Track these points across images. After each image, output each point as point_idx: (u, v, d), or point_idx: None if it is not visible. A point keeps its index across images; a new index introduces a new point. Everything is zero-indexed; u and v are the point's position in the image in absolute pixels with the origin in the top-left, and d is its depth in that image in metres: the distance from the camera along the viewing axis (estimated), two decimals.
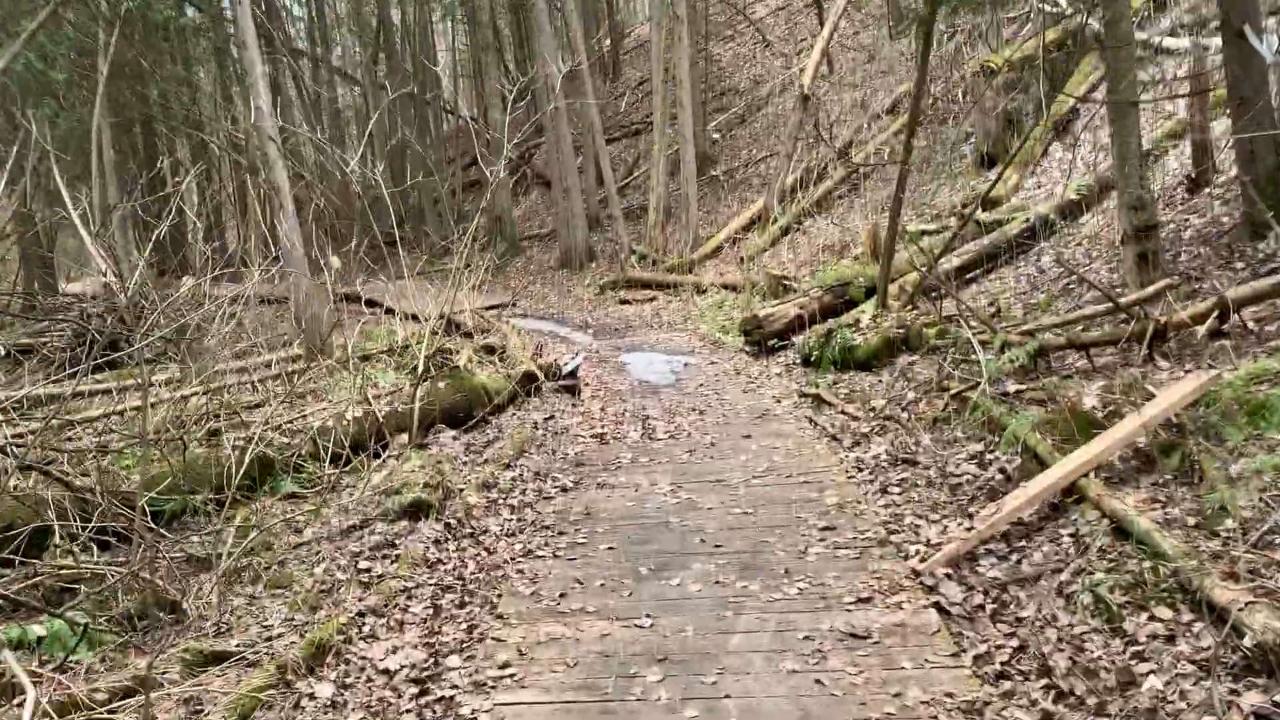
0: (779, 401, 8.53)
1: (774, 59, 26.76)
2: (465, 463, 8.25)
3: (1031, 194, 13.84)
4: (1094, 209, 11.68)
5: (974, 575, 4.77)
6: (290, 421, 9.22)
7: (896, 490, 6.22)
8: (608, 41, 33.52)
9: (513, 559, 5.46)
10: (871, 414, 8.25)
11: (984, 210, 13.50)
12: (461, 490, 7.22)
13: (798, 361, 10.60)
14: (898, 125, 17.46)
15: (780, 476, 6.27)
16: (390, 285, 21.74)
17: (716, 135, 24.25)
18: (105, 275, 20.59)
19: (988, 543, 5.02)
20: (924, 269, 10.26)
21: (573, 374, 11.40)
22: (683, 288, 16.21)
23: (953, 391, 7.47)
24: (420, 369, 8.76)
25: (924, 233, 14.42)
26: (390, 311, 20.03)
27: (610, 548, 5.34)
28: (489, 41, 23.33)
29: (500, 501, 6.92)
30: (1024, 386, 6.99)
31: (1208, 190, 10.00)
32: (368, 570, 5.81)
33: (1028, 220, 11.78)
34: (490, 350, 12.04)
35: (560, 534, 5.68)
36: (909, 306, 10.67)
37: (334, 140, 34.25)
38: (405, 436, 8.77)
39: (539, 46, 19.34)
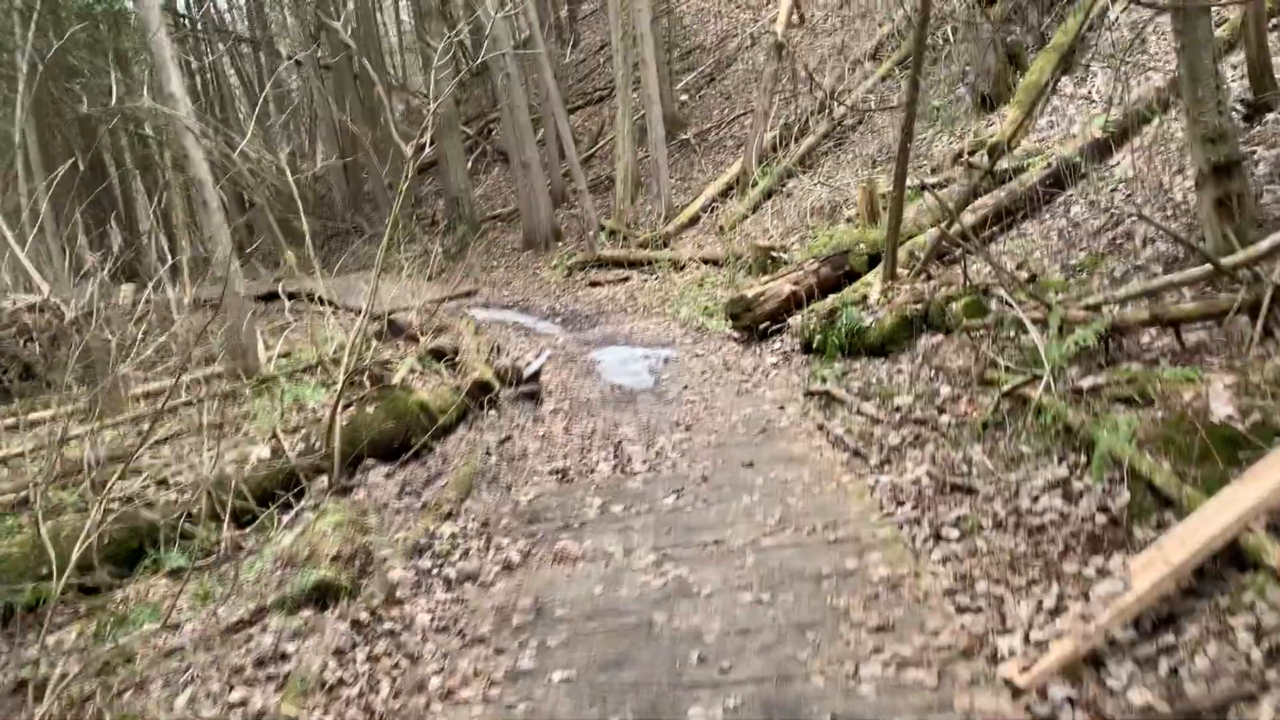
0: (782, 408, 6.91)
1: (740, 11, 24.97)
2: (398, 511, 6.64)
3: (1044, 135, 12.23)
4: (1125, 147, 10.08)
5: (1108, 695, 3.19)
6: (191, 465, 7.58)
7: (955, 536, 4.64)
8: (565, 8, 31.61)
9: (442, 693, 3.84)
10: (897, 415, 6.67)
11: (991, 157, 11.91)
12: (385, 559, 5.61)
13: (796, 348, 9.00)
14: (884, 70, 15.80)
15: (800, 531, 4.64)
16: (336, 280, 20.01)
17: (685, 96, 22.50)
18: (34, 289, 18.82)
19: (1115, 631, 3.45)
20: (944, 227, 8.65)
21: (535, 377, 9.78)
22: (658, 265, 14.58)
23: (1004, 387, 5.88)
24: (338, 392, 7.12)
25: (924, 187, 12.81)
26: (339, 309, 18.34)
27: (567, 679, 3.71)
28: (430, 6, 21.47)
29: (435, 573, 5.32)
30: (1101, 380, 5.41)
31: (1273, 116, 8.42)
32: (242, 704, 4.21)
33: (1049, 165, 10.17)
34: (440, 355, 10.39)
35: (498, 652, 4.05)
36: (922, 275, 9.08)
37: (283, 127, 32.31)
38: (325, 479, 7.15)
39: (488, 6, 17.51)
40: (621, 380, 8.56)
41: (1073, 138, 11.09)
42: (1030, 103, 12.63)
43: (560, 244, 18.72)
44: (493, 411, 8.91)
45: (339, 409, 7.28)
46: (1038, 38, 14.02)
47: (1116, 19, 13.00)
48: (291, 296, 21.41)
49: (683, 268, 14.26)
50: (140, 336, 16.91)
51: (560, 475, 5.98)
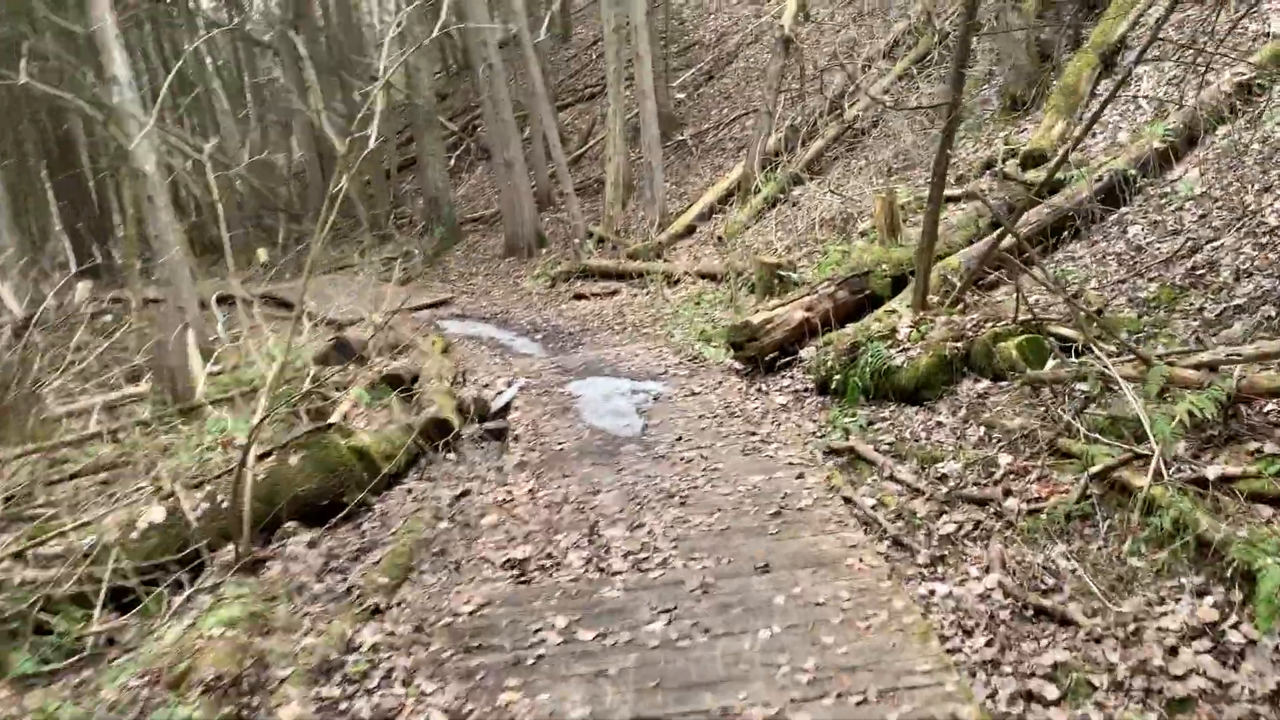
0: (800, 476, 5.52)
1: (742, 6, 23.64)
2: (316, 597, 5.28)
3: (1086, 143, 10.93)
4: (1188, 158, 8.78)
5: None
6: (72, 525, 6.19)
7: (1052, 696, 3.30)
8: (556, 4, 30.21)
9: None
10: (944, 487, 5.33)
11: (1025, 168, 10.61)
12: (282, 684, 4.24)
13: (809, 387, 7.66)
14: (900, 69, 14.48)
15: (845, 701, 3.22)
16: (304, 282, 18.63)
17: (681, 94, 21.16)
18: None
19: None
20: (996, 242, 7.35)
21: (504, 411, 8.42)
22: (650, 277, 13.22)
23: (1093, 467, 4.54)
24: (249, 440, 5.73)
25: (947, 199, 11.51)
26: (302, 315, 16.93)
27: None
28: None
29: (343, 709, 3.95)
30: (1235, 469, 4.07)
31: None
32: None
33: (1100, 178, 8.86)
34: (396, 382, 9.01)
35: None
36: (958, 305, 7.76)
37: (259, 120, 30.86)
38: (236, 547, 5.77)
39: None
40: (603, 423, 7.19)
41: (1120, 147, 9.81)
42: (1069, 107, 11.34)
43: (544, 251, 17.35)
44: (451, 455, 7.55)
45: (251, 460, 5.90)
46: (1072, 36, 12.73)
47: (1164, 18, 11.74)
48: (255, 300, 20.03)
49: (677, 282, 12.91)
50: (76, 346, 15.47)
51: (518, 570, 4.61)
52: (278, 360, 6.69)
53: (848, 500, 5.32)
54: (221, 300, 20.67)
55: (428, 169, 20.44)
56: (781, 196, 13.94)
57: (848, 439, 6.48)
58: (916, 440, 6.26)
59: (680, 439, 6.50)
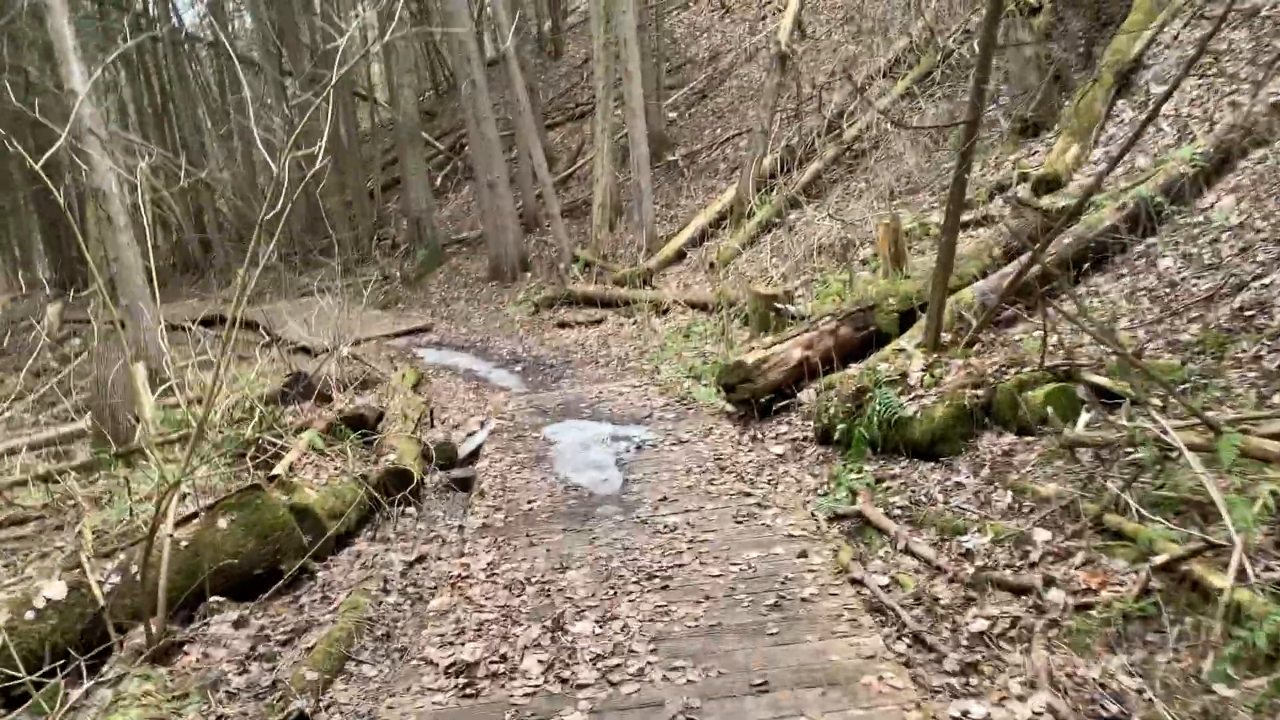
0: (804, 555, 4.72)
1: (735, 25, 23.04)
2: (234, 693, 4.49)
3: (1101, 169, 10.25)
4: (1220, 185, 8.09)
5: None
6: None
7: None
8: (549, 19, 29.62)
9: None
10: (970, 566, 4.58)
11: (1038, 193, 9.92)
12: None
13: (809, 435, 6.90)
14: (901, 87, 13.80)
15: None
16: (283, 305, 17.89)
17: (673, 114, 20.50)
18: None
19: None
20: (1024, 268, 6.63)
21: (473, 456, 7.67)
22: (637, 305, 12.47)
23: (1157, 558, 3.79)
24: (164, 501, 4.94)
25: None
26: (274, 340, 16.16)
27: None
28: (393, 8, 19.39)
29: None
30: None
31: None
32: None
33: (1123, 205, 8.15)
34: (358, 423, 8.23)
35: None
36: (973, 345, 7.02)
37: (242, 138, 30.11)
38: (148, 629, 4.98)
39: (450, 6, 15.45)
40: (579, 477, 6.40)
41: (1140, 172, 9.12)
42: (1084, 129, 10.66)
43: (529, 275, 16.61)
44: (411, 510, 6.78)
45: (169, 524, 5.11)
46: (1083, 56, 12.10)
47: (1178, 36, 11.10)
48: (221, 323, 19.26)
49: (665, 311, 12.17)
50: (35, 372, 14.67)
51: (464, 678, 3.81)
52: (207, 403, 5.90)
53: (857, 583, 4.55)
54: (203, 323, 19.94)
55: (411, 188, 19.73)
56: (777, 221, 13.23)
57: (854, 501, 5.72)
58: (933, 504, 5.50)
59: (664, 499, 5.72)
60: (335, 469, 6.78)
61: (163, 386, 12.23)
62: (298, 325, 15.94)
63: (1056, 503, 4.74)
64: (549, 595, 4.47)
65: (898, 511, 5.52)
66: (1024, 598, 4.16)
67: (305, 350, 15.09)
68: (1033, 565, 4.41)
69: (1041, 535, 4.56)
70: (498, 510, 5.94)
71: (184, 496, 5.70)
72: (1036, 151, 11.21)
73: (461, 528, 6.14)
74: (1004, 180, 10.97)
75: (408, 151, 19.38)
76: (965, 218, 10.77)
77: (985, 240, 9.08)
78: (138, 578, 5.22)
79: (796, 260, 11.77)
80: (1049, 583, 4.12)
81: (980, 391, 6.09)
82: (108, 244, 12.94)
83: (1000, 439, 5.85)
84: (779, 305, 8.79)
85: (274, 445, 7.35)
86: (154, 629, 4.92)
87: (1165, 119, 10.17)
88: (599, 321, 13.01)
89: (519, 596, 4.52)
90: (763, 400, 7.54)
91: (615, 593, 4.38)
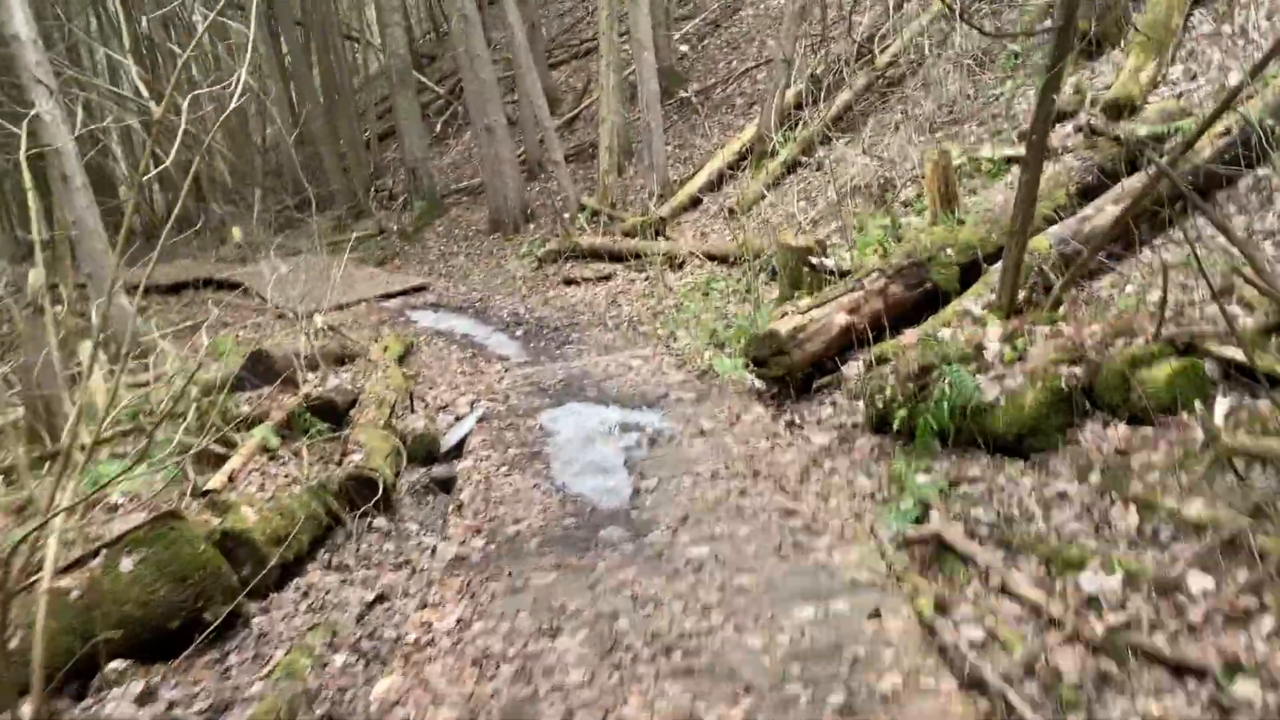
0: (877, 615, 3.48)
1: None
2: None
3: (1183, 89, 8.85)
4: None
5: None
6: None
7: None
8: None
9: None
10: (1093, 620, 3.37)
11: (1110, 117, 8.55)
12: None
13: (859, 420, 5.67)
14: (939, 6, 12.29)
15: None
16: (269, 264, 16.67)
17: (685, 47, 18.99)
18: None
19: None
20: (1128, 217, 5.36)
21: (460, 447, 6.51)
22: (649, 258, 11.17)
23: None
24: (8, 554, 3.80)
25: (1010, 160, 9.46)
26: (263, 304, 15.01)
27: None
28: None
29: None
30: None
31: None
32: None
33: (1227, 131, 6.80)
34: (328, 411, 7.06)
35: None
36: (1057, 307, 5.76)
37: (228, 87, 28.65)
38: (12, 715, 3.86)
39: None
40: (580, 485, 5.21)
41: (1218, 90, 7.75)
42: (1159, 44, 9.24)
43: (532, 226, 15.32)
44: (380, 521, 5.62)
45: (48, 571, 3.96)
46: None
47: None
48: (218, 285, 18.11)
49: (681, 264, 10.90)
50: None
51: None
52: (101, 396, 4.69)
53: (944, 652, 3.35)
54: (182, 287, 18.80)
55: (405, 135, 18.40)
56: (803, 159, 11.87)
57: (926, 517, 4.51)
58: (1029, 519, 4.29)
59: (685, 519, 4.52)
60: (287, 476, 5.62)
61: (127, 364, 11.13)
62: (281, 288, 14.77)
63: (1214, 534, 3.51)
64: (529, 681, 3.29)
65: (984, 529, 4.32)
66: (1191, 685, 2.96)
67: (291, 314, 13.93)
68: (1192, 629, 3.20)
69: (1200, 583, 3.34)
70: (477, 533, 4.75)
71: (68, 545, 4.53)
72: (1101, 72, 9.79)
73: (435, 550, 4.98)
74: (1064, 107, 9.57)
75: (400, 96, 18.00)
76: (1020, 151, 9.43)
77: (1054, 176, 7.73)
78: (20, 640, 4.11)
79: (828, 203, 10.44)
80: (1232, 669, 2.91)
81: (1078, 369, 4.83)
82: (64, 205, 11.73)
83: (1109, 431, 4.60)
84: (813, 259, 7.51)
85: (221, 447, 6.20)
86: (29, 713, 3.80)
87: (1257, 32, 8.77)
88: (607, 277, 11.76)
89: (490, 680, 3.35)
90: (800, 376, 6.31)
91: (621, 679, 3.20)
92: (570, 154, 17.55)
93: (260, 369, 7.36)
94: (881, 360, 5.89)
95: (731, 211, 11.70)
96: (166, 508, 4.85)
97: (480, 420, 6.71)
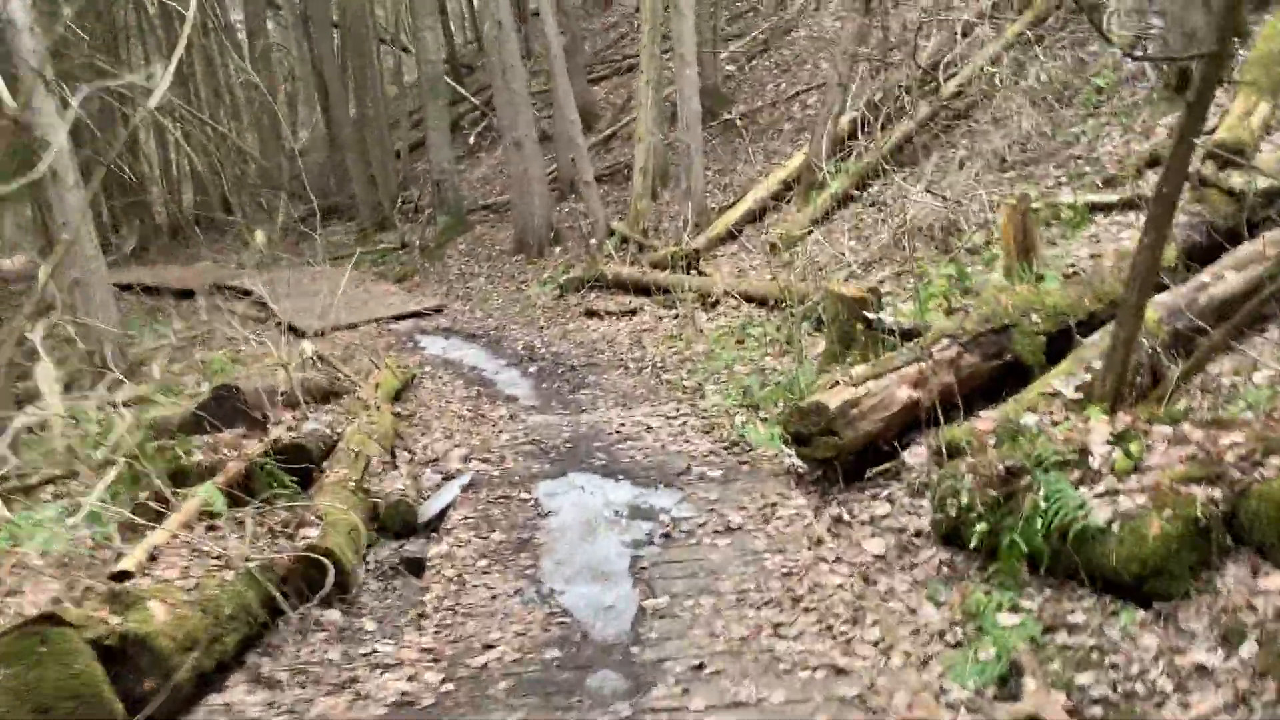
0: None
1: None
2: None
3: None
4: None
5: None
6: None
7: None
8: None
9: None
10: None
11: (1212, 165, 7.45)
12: None
13: (926, 530, 4.60)
14: (1013, 32, 11.24)
15: None
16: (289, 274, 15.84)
17: (732, 67, 18.04)
18: None
19: None
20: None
21: (441, 517, 5.52)
22: (680, 294, 10.15)
23: None
24: None
25: (1093, 206, 8.36)
26: (268, 318, 14.16)
27: None
28: None
29: None
30: None
31: None
32: None
33: None
34: (297, 458, 6.08)
35: None
36: (1174, 396, 4.67)
37: (269, 89, 28.04)
38: None
39: None
40: (573, 594, 4.18)
41: None
42: (1273, 83, 8.16)
43: (558, 249, 14.37)
44: (332, 613, 4.62)
45: None
46: None
47: None
48: (229, 291, 17.29)
49: (715, 304, 9.88)
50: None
51: None
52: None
53: None
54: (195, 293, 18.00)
55: (432, 146, 17.55)
56: (856, 193, 10.84)
57: (1014, 677, 3.44)
58: (1157, 698, 3.21)
59: (701, 668, 3.47)
60: (223, 553, 4.63)
61: (108, 380, 10.28)
62: (292, 301, 13.91)
63: None
64: None
65: (1094, 709, 3.24)
66: None
67: (295, 330, 13.05)
68: None
69: None
70: (433, 663, 3.72)
71: None
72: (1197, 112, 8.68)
73: (387, 668, 3.96)
74: (1156, 151, 8.49)
75: (430, 104, 17.15)
76: (1110, 197, 8.35)
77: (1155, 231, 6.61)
78: None
79: (882, 245, 9.39)
80: None
81: (1216, 492, 3.75)
82: (54, 205, 10.92)
83: (1261, 579, 3.52)
84: (868, 313, 6.45)
85: (161, 497, 5.24)
86: None
87: None
88: (633, 312, 10.75)
89: None
90: (850, 458, 5.25)
91: None
92: (604, 174, 16.61)
93: (225, 407, 6.39)
94: (953, 450, 4.83)
95: (773, 247, 10.67)
96: (52, 605, 3.87)
97: (467, 487, 5.70)
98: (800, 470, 5.46)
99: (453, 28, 28.95)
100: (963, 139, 10.78)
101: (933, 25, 12.23)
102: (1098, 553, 3.80)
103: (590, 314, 11.23)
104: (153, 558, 4.53)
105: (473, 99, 24.14)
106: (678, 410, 6.87)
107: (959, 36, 11.82)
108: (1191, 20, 9.02)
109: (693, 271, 10.89)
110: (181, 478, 5.78)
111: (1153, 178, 8.26)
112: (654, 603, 3.97)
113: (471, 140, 23.45)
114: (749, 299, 9.49)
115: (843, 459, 5.21)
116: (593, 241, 12.58)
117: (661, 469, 5.62)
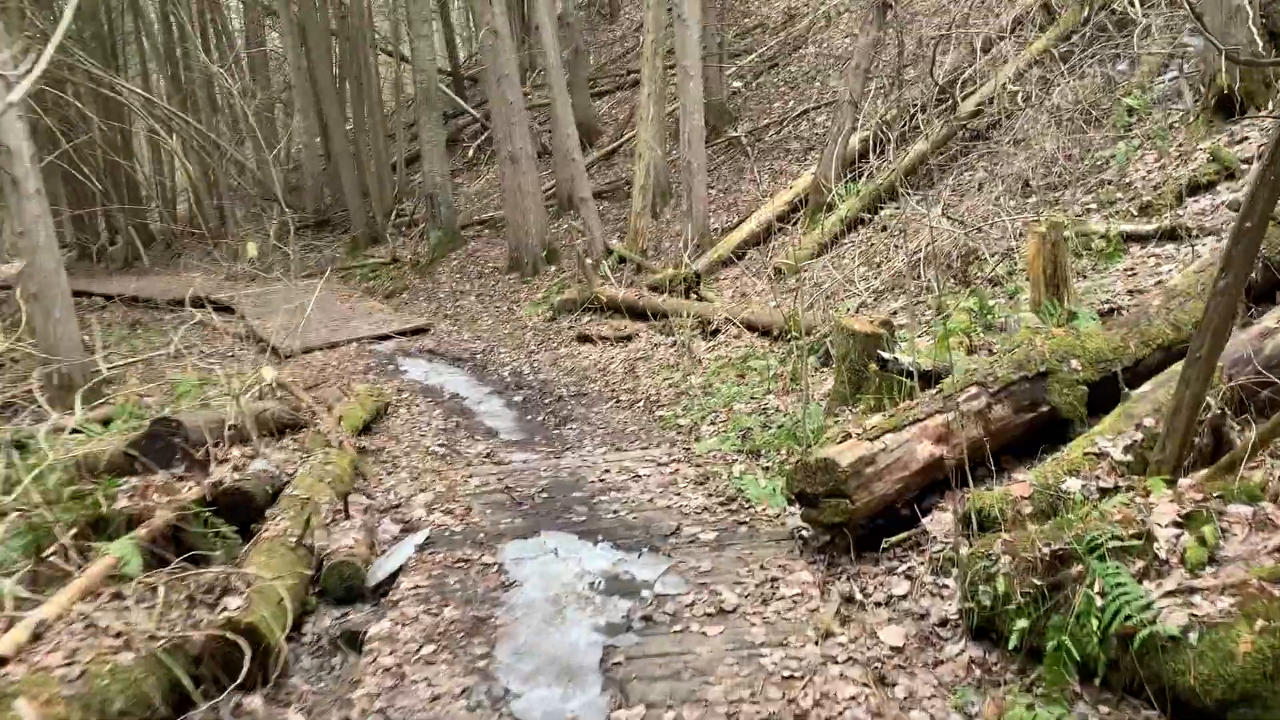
0: None
1: None
2: None
3: None
4: None
5: None
6: None
7: None
8: None
9: None
10: None
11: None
12: None
13: (952, 618, 3.89)
14: (1038, 48, 10.60)
15: None
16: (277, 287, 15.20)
17: (738, 84, 17.43)
18: None
19: None
20: None
21: (392, 580, 4.83)
22: (679, 320, 9.46)
23: None
24: None
25: (1127, 236, 7.68)
26: (246, 335, 13.52)
27: None
28: None
29: None
30: None
31: None
32: None
33: None
34: (238, 506, 5.40)
35: None
36: (1249, 461, 3.96)
37: (261, 96, 27.45)
38: None
39: None
40: (530, 701, 3.42)
41: None
42: None
43: (553, 268, 13.71)
44: (254, 699, 3.93)
45: None
46: None
47: None
48: (208, 305, 16.63)
49: (715, 332, 9.20)
50: None
51: None
52: None
53: None
54: (180, 304, 17.31)
55: (426, 159, 16.91)
56: (866, 217, 10.17)
57: None
58: None
59: None
60: (125, 630, 3.93)
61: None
62: (271, 316, 13.27)
63: None
64: None
65: None
66: None
67: (274, 350, 12.39)
68: None
69: None
70: None
71: None
72: (1246, 137, 8.02)
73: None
74: (1198, 177, 7.82)
75: (424, 115, 16.52)
76: (1143, 227, 7.66)
77: (1203, 267, 5.94)
78: None
79: (894, 273, 8.71)
80: None
81: None
82: (13, 214, 10.28)
83: None
84: (883, 354, 5.77)
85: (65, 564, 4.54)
86: None
87: None
88: (628, 338, 10.07)
89: None
90: (860, 524, 4.54)
91: None
92: (604, 191, 15.99)
93: (159, 446, 5.69)
94: (984, 520, 4.14)
95: (778, 272, 10.00)
96: None
97: (424, 546, 5.00)
98: (805, 534, 4.76)
99: (458, 40, 28.40)
100: (981, 161, 10.12)
101: (950, 41, 11.58)
102: (1169, 667, 3.10)
103: (583, 339, 10.54)
104: (38, 636, 3.84)
105: (472, 111, 23.57)
106: (670, 455, 6.17)
107: (978, 53, 11.18)
108: (1235, 36, 8.36)
109: (692, 296, 10.23)
110: (101, 527, 5.10)
111: (1193, 205, 7.62)
112: (626, 715, 3.27)
113: (470, 153, 22.87)
114: (751, 328, 8.80)
115: (854, 525, 4.51)
116: (588, 261, 11.91)
117: (647, 528, 4.92)
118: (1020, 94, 10.24)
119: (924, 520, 4.50)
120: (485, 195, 20.23)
